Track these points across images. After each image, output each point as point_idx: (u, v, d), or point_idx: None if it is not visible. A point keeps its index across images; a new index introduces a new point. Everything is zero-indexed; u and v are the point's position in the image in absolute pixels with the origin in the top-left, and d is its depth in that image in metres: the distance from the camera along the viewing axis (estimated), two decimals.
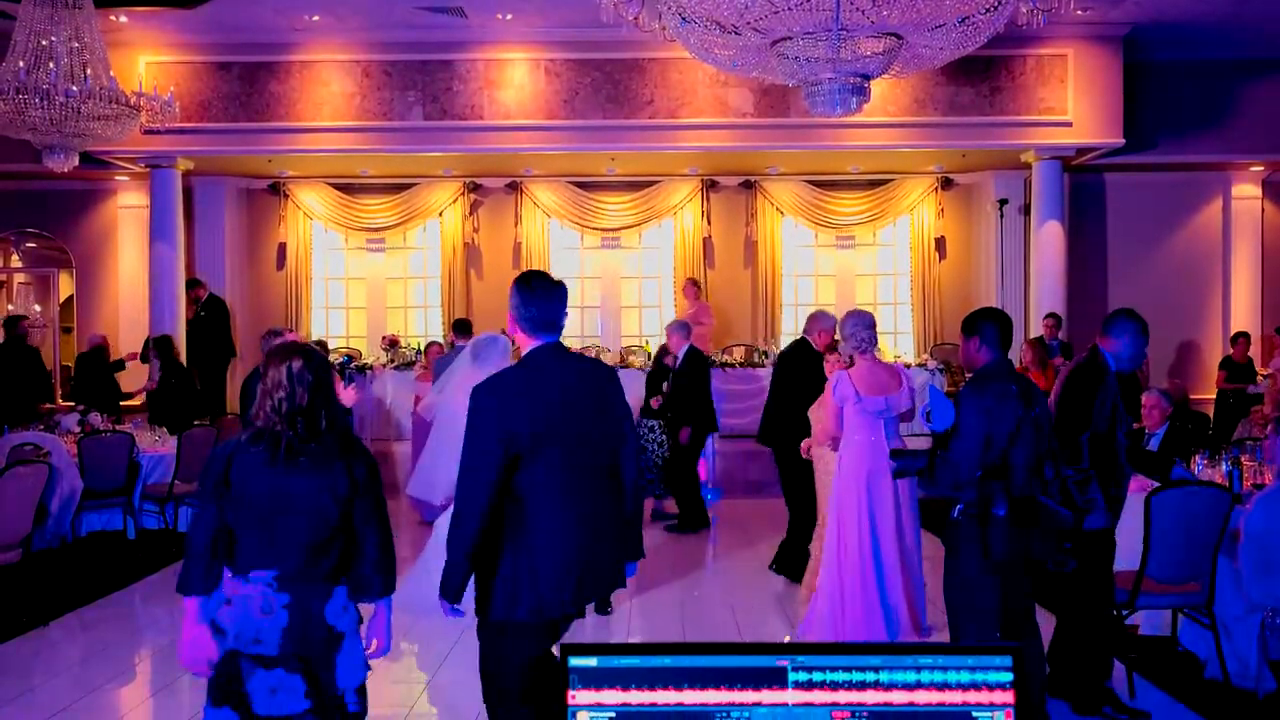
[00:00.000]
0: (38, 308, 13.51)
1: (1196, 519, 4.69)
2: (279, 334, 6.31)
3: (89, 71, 8.30)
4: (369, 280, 13.74)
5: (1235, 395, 11.26)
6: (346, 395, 6.03)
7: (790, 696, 1.71)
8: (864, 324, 5.49)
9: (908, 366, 10.14)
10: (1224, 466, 5.69)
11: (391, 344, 12.14)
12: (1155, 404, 6.28)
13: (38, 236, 13.21)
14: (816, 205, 13.18)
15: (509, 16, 10.56)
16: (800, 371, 6.72)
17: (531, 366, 3.24)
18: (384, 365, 11.64)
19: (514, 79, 11.13)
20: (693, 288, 12.15)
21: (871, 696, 1.71)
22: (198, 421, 9.65)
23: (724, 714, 1.71)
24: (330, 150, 11.45)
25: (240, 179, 13.06)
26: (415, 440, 9.36)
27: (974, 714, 1.71)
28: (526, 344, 3.28)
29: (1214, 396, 11.74)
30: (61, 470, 7.23)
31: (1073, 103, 11.02)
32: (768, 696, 1.71)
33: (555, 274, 3.47)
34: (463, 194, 13.24)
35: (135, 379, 11.52)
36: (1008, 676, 1.72)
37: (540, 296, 3.25)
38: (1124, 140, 11.10)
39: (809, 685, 1.71)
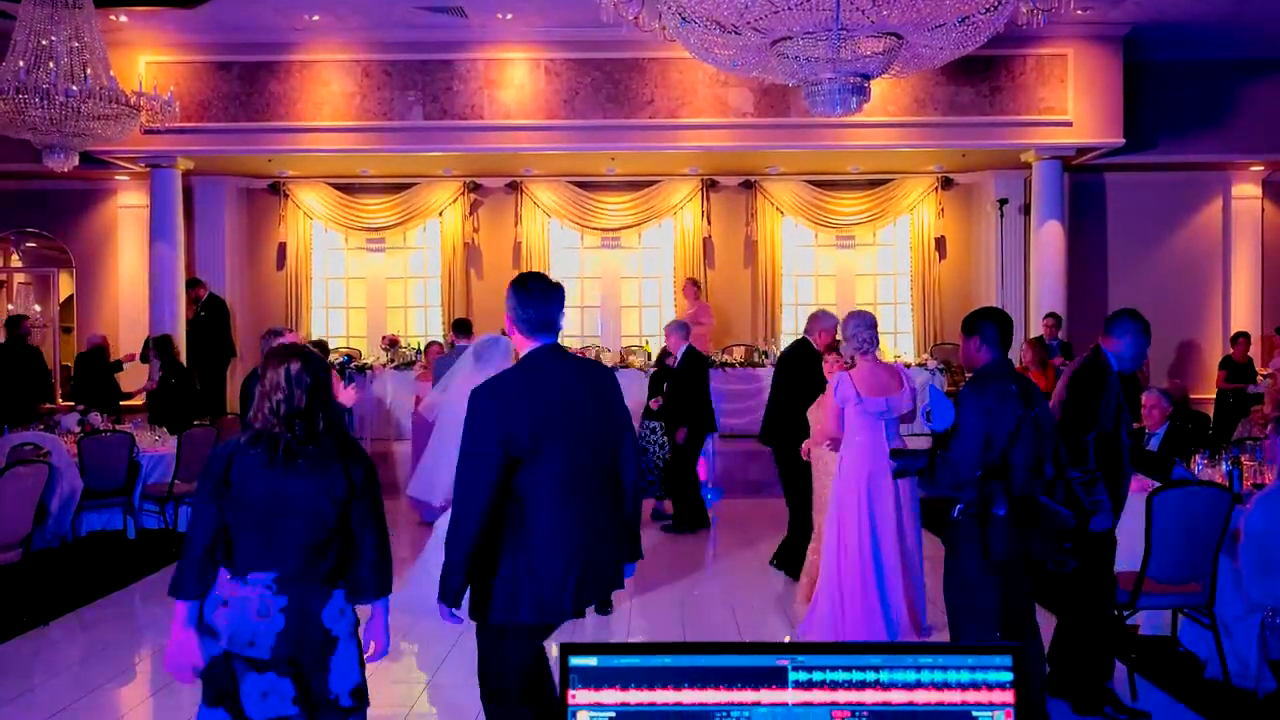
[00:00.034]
0: (38, 307, 13.51)
1: (1197, 519, 4.69)
2: (279, 334, 6.30)
3: (89, 71, 8.30)
4: (369, 280, 13.74)
5: (1235, 395, 11.26)
6: (346, 395, 6.03)
7: (790, 696, 1.70)
8: (866, 324, 5.48)
9: (908, 366, 10.14)
10: (1224, 466, 5.69)
11: (391, 344, 12.14)
12: (1155, 404, 6.27)
13: (38, 236, 13.21)
14: (816, 205, 13.18)
15: (509, 16, 10.56)
16: (801, 372, 6.72)
17: (530, 368, 3.24)
18: (384, 365, 11.64)
19: (514, 79, 11.13)
20: (692, 288, 12.15)
21: (871, 696, 1.71)
22: (197, 421, 9.65)
23: (724, 713, 1.71)
24: (330, 150, 11.45)
25: (240, 179, 13.06)
26: (415, 440, 9.35)
27: (974, 713, 1.71)
28: (524, 345, 3.28)
29: (1214, 396, 11.74)
30: (61, 470, 7.23)
31: (1073, 102, 11.02)
32: (768, 696, 1.71)
33: (555, 274, 3.48)
34: (463, 194, 13.24)
35: (135, 379, 11.52)
36: (1008, 676, 1.72)
37: (537, 298, 3.25)
38: (1124, 140, 11.11)
39: (809, 685, 1.71)
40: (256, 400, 2.97)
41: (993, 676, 1.72)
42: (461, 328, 9.25)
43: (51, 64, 8.17)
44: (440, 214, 13.30)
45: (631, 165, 12.55)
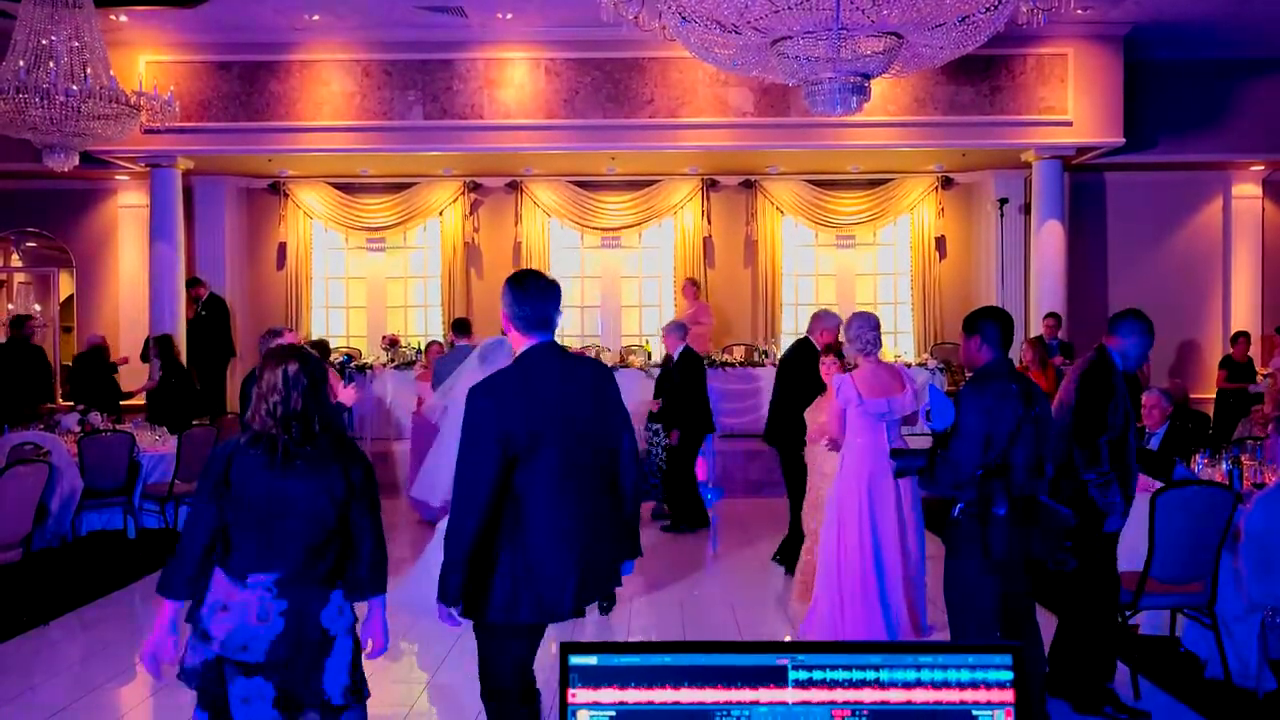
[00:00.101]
0: (38, 307, 13.51)
1: (1200, 519, 4.69)
2: (279, 334, 6.30)
3: (89, 71, 8.30)
4: (369, 280, 13.74)
5: (1235, 395, 11.25)
6: (346, 395, 6.03)
7: (790, 695, 1.70)
8: (870, 326, 5.47)
9: (908, 366, 10.15)
10: (1224, 466, 5.69)
11: (391, 343, 12.13)
12: (1155, 403, 6.27)
13: (38, 236, 13.21)
14: (816, 205, 13.18)
15: (509, 16, 10.56)
16: (803, 371, 6.72)
17: (527, 365, 3.23)
18: (384, 365, 11.64)
19: (514, 78, 11.13)
20: (692, 287, 12.15)
21: (871, 695, 1.71)
22: (197, 421, 9.66)
23: (724, 712, 1.70)
24: (330, 150, 11.45)
25: (240, 178, 13.06)
26: (415, 441, 9.35)
27: (974, 713, 1.71)
28: (521, 343, 3.27)
29: (1214, 396, 11.73)
30: (62, 470, 7.23)
31: (1073, 102, 11.02)
32: (767, 695, 1.70)
33: (555, 273, 3.48)
34: (463, 193, 13.24)
35: (135, 378, 11.52)
36: (1008, 675, 1.72)
37: (533, 295, 3.24)
38: (1124, 140, 11.10)
39: (809, 684, 1.71)
40: (254, 401, 2.97)
41: (993, 676, 1.72)
42: (461, 327, 9.25)
43: (51, 64, 8.17)
44: (440, 214, 13.30)
45: (631, 165, 12.55)
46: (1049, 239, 11.60)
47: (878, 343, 5.48)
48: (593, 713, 1.71)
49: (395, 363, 11.63)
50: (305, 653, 2.91)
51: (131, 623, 6.44)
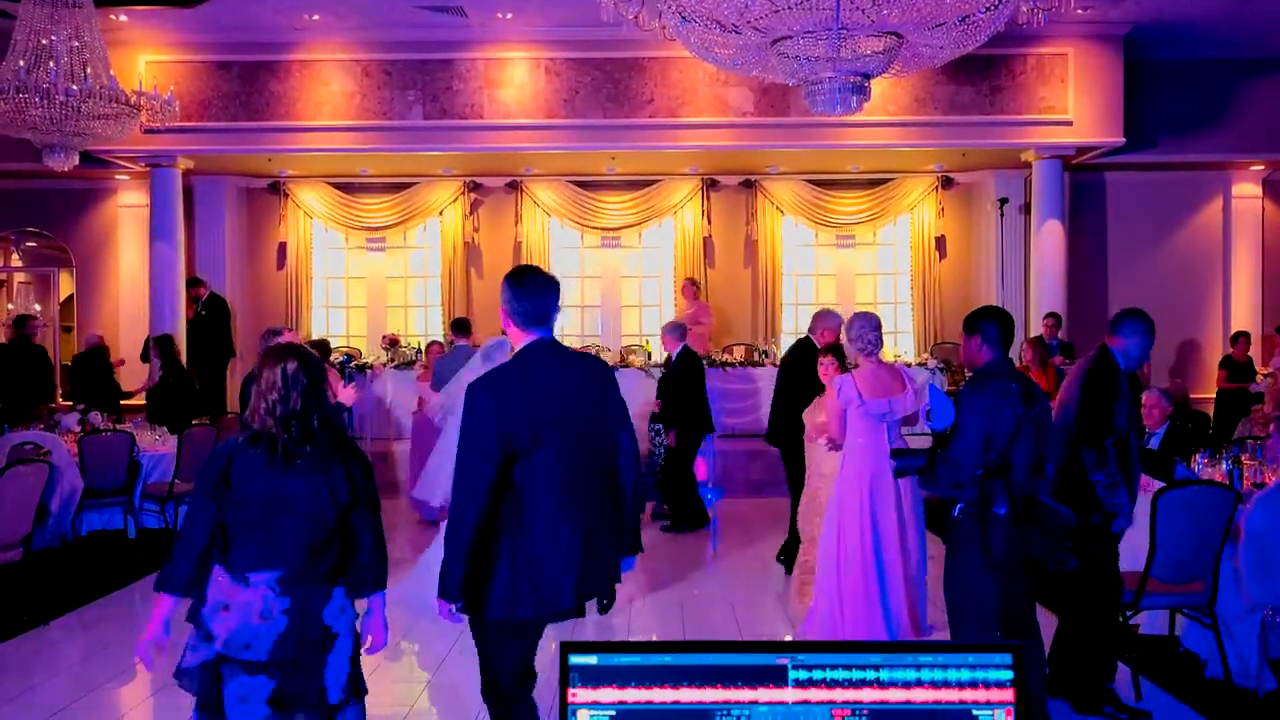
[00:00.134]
0: (38, 307, 13.51)
1: (1200, 519, 4.69)
2: (278, 333, 6.30)
3: (89, 70, 8.30)
4: (369, 279, 13.74)
5: (1236, 394, 11.25)
6: (346, 394, 6.03)
7: (790, 695, 1.70)
8: (871, 326, 5.46)
9: (908, 366, 10.15)
10: (1224, 466, 5.69)
11: (392, 343, 12.13)
12: (1155, 403, 6.27)
13: (38, 236, 13.21)
14: (816, 204, 13.17)
15: (509, 15, 10.55)
16: (805, 371, 6.72)
17: (526, 361, 3.23)
18: (384, 364, 11.63)
19: (514, 78, 11.13)
20: (691, 287, 12.15)
21: (871, 695, 1.70)
22: (197, 421, 9.65)
23: (724, 712, 1.70)
24: (330, 149, 11.45)
25: (240, 178, 13.06)
26: (415, 441, 9.34)
27: (974, 712, 1.71)
28: (520, 339, 3.27)
29: (1214, 396, 11.73)
30: (62, 469, 7.23)
31: (1073, 102, 11.02)
32: (767, 695, 1.70)
33: (555, 273, 3.46)
34: (463, 193, 13.24)
35: (135, 377, 11.52)
36: (1008, 675, 1.71)
37: (532, 290, 3.24)
38: (1124, 139, 11.10)
39: (809, 683, 1.71)
40: (253, 399, 2.97)
41: (993, 675, 1.72)
42: (460, 327, 9.24)
43: (51, 63, 8.16)
44: (440, 213, 13.29)
45: (631, 165, 12.55)
46: (1049, 239, 11.59)
47: (879, 343, 5.48)
48: (593, 712, 1.71)
49: (395, 363, 11.63)
50: (307, 650, 2.91)
51: (131, 623, 6.43)
